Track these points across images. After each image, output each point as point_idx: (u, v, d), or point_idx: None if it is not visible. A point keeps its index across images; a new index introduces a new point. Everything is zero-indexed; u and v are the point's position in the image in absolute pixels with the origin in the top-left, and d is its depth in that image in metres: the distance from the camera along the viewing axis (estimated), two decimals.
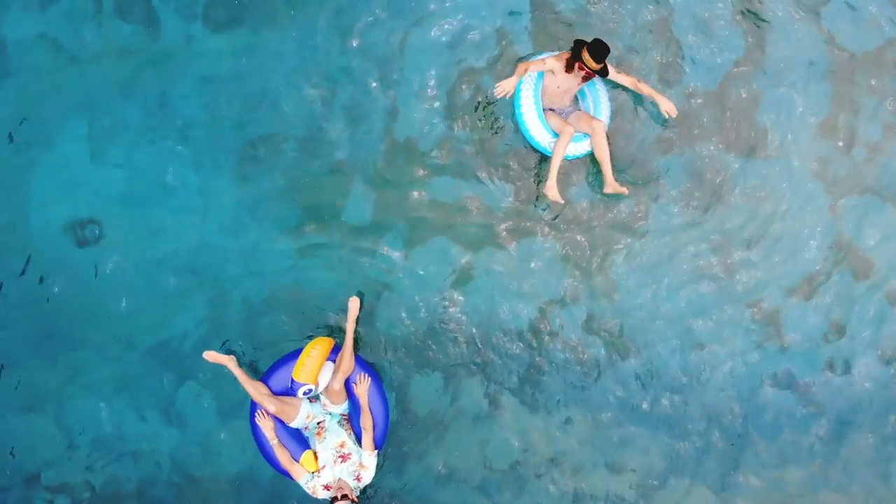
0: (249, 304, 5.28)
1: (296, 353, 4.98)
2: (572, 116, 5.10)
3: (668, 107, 4.90)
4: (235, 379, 4.89)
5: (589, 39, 4.72)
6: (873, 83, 5.17)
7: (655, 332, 5.28)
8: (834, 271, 5.19)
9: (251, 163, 5.28)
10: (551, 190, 5.04)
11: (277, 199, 5.29)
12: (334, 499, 4.48)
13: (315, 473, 4.65)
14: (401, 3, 5.26)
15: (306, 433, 4.86)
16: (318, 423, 4.79)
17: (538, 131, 5.06)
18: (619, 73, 4.93)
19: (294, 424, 4.78)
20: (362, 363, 4.99)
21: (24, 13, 5.28)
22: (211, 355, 5.03)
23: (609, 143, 4.96)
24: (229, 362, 4.97)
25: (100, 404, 5.34)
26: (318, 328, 5.22)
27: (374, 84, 5.26)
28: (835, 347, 5.21)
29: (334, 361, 4.88)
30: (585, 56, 4.67)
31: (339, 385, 4.72)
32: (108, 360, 5.31)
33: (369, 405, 4.79)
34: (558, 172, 5.03)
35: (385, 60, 5.26)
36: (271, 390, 4.87)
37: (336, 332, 5.17)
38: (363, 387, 4.82)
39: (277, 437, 4.81)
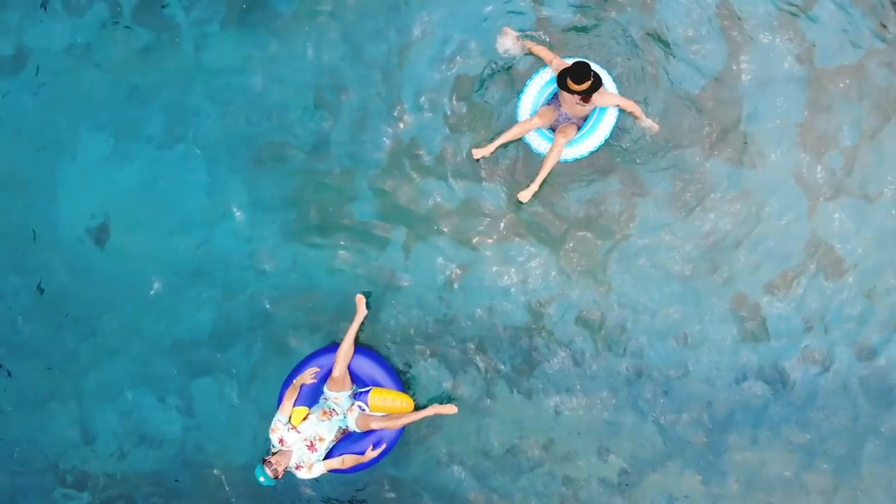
0: (259, 302, 5.47)
1: (379, 358, 5.24)
2: (562, 127, 5.08)
3: (648, 125, 5.10)
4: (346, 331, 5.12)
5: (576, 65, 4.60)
6: (851, 92, 5.20)
7: (643, 327, 5.36)
8: (813, 271, 5.26)
9: (261, 167, 5.43)
10: (479, 150, 5.17)
11: (285, 202, 5.45)
12: (267, 461, 4.59)
13: (290, 426, 4.82)
14: (405, 17, 5.37)
15: (321, 401, 5.05)
16: (333, 409, 4.96)
17: (525, 105, 5.16)
18: (619, 97, 4.92)
19: (327, 390, 5.02)
20: (399, 434, 5.17)
21: (48, 23, 5.39)
22: (360, 298, 5.27)
23: (550, 169, 5.05)
24: (361, 315, 5.22)
25: (117, 395, 5.61)
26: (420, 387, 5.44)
27: (379, 92, 5.40)
28: (813, 342, 5.29)
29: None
30: (570, 83, 4.59)
31: (375, 426, 4.90)
32: (124, 354, 5.57)
33: (360, 461, 4.96)
34: (498, 145, 5.16)
35: (389, 70, 5.39)
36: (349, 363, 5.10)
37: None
38: (372, 454, 4.99)
39: (308, 382, 5.00)
